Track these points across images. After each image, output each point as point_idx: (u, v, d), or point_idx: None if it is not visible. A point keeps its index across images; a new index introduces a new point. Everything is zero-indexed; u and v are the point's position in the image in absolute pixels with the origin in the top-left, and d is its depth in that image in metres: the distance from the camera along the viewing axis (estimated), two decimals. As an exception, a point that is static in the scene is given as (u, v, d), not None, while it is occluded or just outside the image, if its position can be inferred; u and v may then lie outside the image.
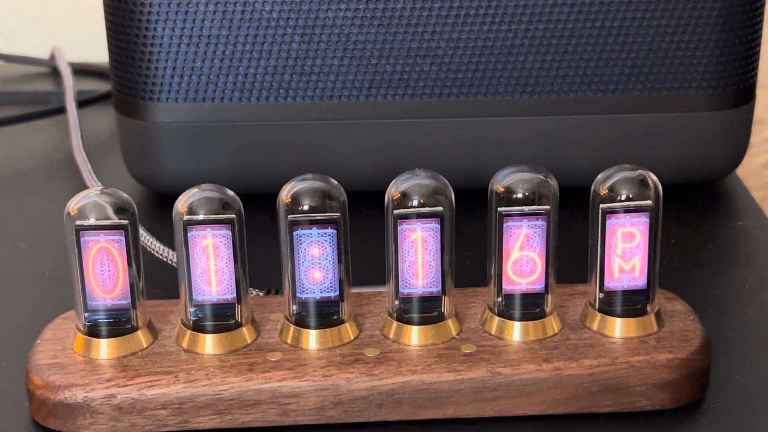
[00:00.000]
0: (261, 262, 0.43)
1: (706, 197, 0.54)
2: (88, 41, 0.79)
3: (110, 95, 0.66)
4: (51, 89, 0.72)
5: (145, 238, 0.46)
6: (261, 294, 0.43)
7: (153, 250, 0.46)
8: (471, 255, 0.47)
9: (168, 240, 0.46)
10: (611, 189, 0.37)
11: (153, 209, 0.54)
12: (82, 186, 0.53)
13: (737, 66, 0.51)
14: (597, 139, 0.51)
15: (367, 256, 0.45)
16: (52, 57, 0.73)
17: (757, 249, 0.50)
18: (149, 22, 0.49)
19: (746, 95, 0.52)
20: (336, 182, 0.37)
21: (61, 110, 0.63)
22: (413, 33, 0.50)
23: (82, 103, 0.63)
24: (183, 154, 0.52)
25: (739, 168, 0.56)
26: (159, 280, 0.44)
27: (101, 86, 0.71)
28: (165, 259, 0.46)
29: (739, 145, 0.53)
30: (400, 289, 0.38)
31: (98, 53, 0.78)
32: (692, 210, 0.52)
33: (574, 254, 0.41)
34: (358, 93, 0.51)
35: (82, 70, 0.73)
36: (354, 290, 0.40)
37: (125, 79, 0.51)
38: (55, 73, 0.75)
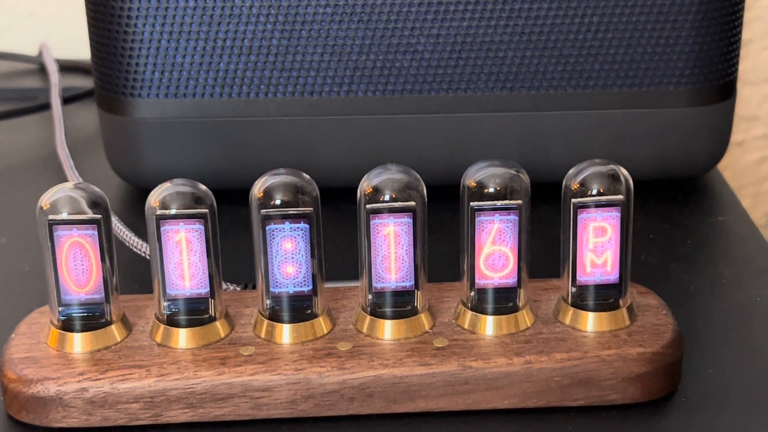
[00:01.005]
0: (241, 256, 0.43)
1: (687, 193, 0.54)
2: (80, 38, 0.80)
3: (94, 92, 0.66)
4: (38, 86, 0.73)
5: (124, 233, 0.46)
6: (238, 288, 0.43)
7: (131, 245, 0.46)
8: (450, 250, 0.47)
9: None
10: (582, 183, 0.37)
11: (135, 204, 0.54)
12: (64, 181, 0.53)
13: (717, 62, 0.51)
14: (577, 135, 0.52)
15: (345, 250, 0.45)
16: (40, 54, 0.73)
17: (735, 244, 0.50)
18: (130, 18, 0.50)
19: (726, 91, 0.52)
20: (308, 177, 0.37)
21: (47, 106, 0.63)
22: (393, 29, 0.50)
23: (68, 99, 0.63)
24: (164, 150, 0.52)
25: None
26: (137, 275, 0.44)
27: (88, 83, 0.72)
28: (143, 254, 0.46)
29: (719, 140, 0.53)
30: (373, 284, 0.38)
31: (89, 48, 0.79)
32: (672, 205, 0.53)
33: (552, 249, 0.41)
34: (339, 89, 0.51)
35: (69, 67, 0.73)
36: (329, 285, 0.40)
37: (107, 75, 0.51)
38: (43, 69, 0.75)
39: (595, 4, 0.50)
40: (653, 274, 0.46)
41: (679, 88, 0.51)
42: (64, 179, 0.54)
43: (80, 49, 0.78)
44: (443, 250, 0.46)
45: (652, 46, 0.50)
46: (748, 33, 0.80)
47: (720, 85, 0.52)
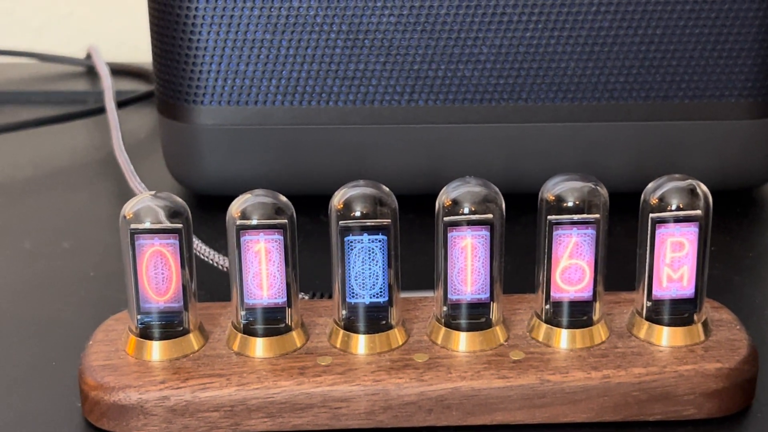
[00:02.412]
0: (304, 265, 0.43)
1: (745, 204, 0.54)
2: (119, 39, 0.80)
3: (147, 96, 0.67)
4: (86, 88, 0.73)
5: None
6: (307, 298, 0.44)
7: (198, 251, 0.46)
8: (512, 261, 0.47)
9: (210, 242, 0.47)
10: (661, 198, 0.37)
11: (194, 210, 0.53)
12: (124, 186, 0.54)
13: (778, 74, 0.51)
14: (637, 146, 0.52)
15: (408, 259, 0.45)
16: (89, 56, 0.74)
17: (797, 257, 0.50)
18: (194, 26, 0.50)
19: (786, 104, 0.52)
20: (387, 189, 0.38)
21: (100, 110, 0.63)
22: (456, 39, 0.50)
23: (121, 103, 0.64)
24: (225, 157, 0.52)
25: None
26: (205, 283, 0.45)
27: (135, 86, 0.72)
28: (210, 261, 0.46)
29: (778, 153, 0.53)
30: (449, 296, 0.38)
31: (127, 50, 0.79)
32: (731, 217, 0.53)
33: (614, 261, 0.41)
34: (400, 98, 0.51)
35: (116, 70, 0.73)
36: (400, 295, 0.40)
37: (169, 82, 0.52)
38: (89, 72, 0.76)
39: (658, 17, 0.50)
40: (717, 287, 0.45)
41: (739, 100, 0.51)
42: (123, 184, 0.54)
43: (120, 51, 0.79)
44: (505, 260, 0.46)
45: (714, 58, 0.50)
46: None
47: (780, 98, 0.52)
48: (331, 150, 0.52)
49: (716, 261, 0.48)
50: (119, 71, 0.73)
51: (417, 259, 0.44)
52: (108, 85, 0.63)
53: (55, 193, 0.57)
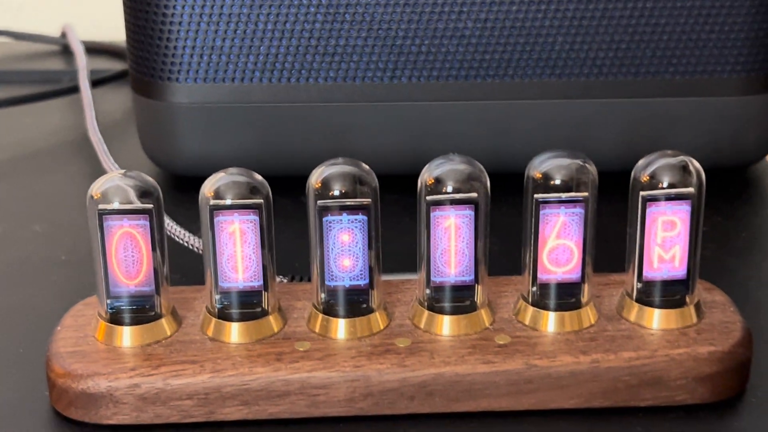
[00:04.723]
0: (283, 247, 0.42)
1: (737, 183, 0.53)
2: (98, 18, 0.78)
3: (123, 74, 0.65)
4: (61, 68, 0.71)
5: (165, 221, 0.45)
6: (285, 281, 0.42)
7: (172, 233, 0.45)
8: (498, 241, 0.45)
9: (185, 223, 0.45)
10: (652, 176, 0.36)
11: (170, 191, 0.52)
12: (98, 167, 0.52)
13: (771, 49, 0.50)
14: (627, 123, 0.50)
15: (389, 241, 0.43)
16: (63, 35, 0.72)
17: (790, 237, 0.49)
18: (168, 0, 0.48)
19: (780, 79, 0.51)
20: (367, 167, 0.36)
21: (74, 89, 0.61)
22: (439, 13, 0.48)
23: (95, 82, 0.62)
24: (201, 136, 0.51)
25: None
26: (179, 265, 0.43)
27: (111, 65, 0.70)
28: (184, 243, 0.44)
29: (771, 130, 0.52)
30: (432, 278, 0.37)
31: (106, 30, 0.77)
32: (723, 196, 0.51)
33: (603, 241, 0.40)
34: (382, 74, 0.49)
35: (92, 49, 0.71)
36: (382, 278, 0.39)
37: (143, 59, 0.50)
38: (64, 51, 0.74)
39: (648, -11, 0.48)
40: (710, 269, 0.44)
41: (732, 76, 0.50)
42: (97, 165, 0.53)
43: (98, 30, 0.77)
44: (491, 241, 0.45)
45: (706, 33, 0.49)
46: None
47: (773, 74, 0.50)
48: (311, 128, 0.50)
49: (709, 241, 0.47)
50: (95, 50, 0.71)
51: (401, 241, 0.42)
52: (82, 64, 0.62)
53: (27, 174, 0.56)
